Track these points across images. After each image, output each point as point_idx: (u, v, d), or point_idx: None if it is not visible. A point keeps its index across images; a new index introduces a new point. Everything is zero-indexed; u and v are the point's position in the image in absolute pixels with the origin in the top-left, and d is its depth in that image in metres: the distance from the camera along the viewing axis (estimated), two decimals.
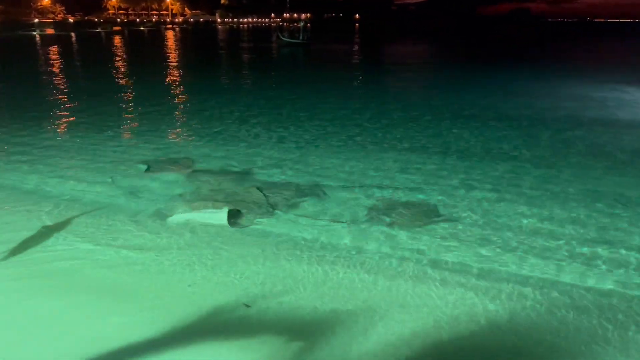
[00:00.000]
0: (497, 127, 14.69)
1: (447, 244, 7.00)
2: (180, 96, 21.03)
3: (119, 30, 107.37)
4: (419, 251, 6.77)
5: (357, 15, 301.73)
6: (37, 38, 71.83)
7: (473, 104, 18.75)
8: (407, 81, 28.31)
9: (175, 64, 37.02)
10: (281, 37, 61.61)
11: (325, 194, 8.78)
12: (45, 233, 7.13)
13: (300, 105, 18.56)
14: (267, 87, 24.70)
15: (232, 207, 7.73)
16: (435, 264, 6.46)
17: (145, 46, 60.59)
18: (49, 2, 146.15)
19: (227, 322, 5.15)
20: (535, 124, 15.37)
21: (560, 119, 16.08)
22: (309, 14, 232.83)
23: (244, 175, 9.85)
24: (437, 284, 5.96)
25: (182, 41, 71.93)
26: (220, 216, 7.45)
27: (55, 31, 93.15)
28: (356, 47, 63.68)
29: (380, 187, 9.19)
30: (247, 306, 5.37)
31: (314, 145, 12.39)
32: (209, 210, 7.67)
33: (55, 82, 25.00)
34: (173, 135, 13.53)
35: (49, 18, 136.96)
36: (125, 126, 14.87)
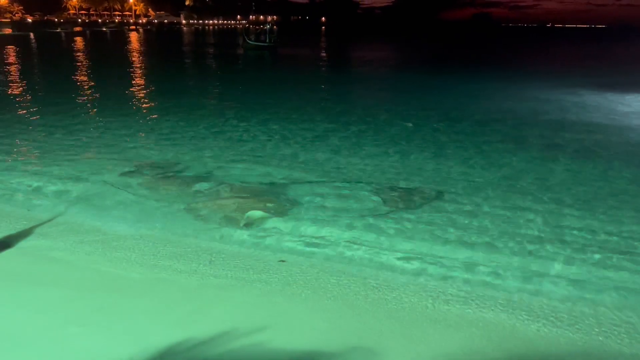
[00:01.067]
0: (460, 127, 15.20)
1: None
2: (141, 101, 20.78)
3: (80, 30, 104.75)
4: None
5: (323, 18, 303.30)
6: None
7: (436, 107, 19.30)
8: (371, 86, 28.78)
9: (138, 66, 36.46)
10: (247, 40, 60.97)
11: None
12: None
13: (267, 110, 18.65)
14: (231, 95, 24.70)
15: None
16: None
17: (106, 48, 59.36)
18: (6, 1, 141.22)
19: None
20: (491, 123, 16.10)
21: (520, 119, 16.84)
22: (275, 17, 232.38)
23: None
24: None
25: (146, 43, 70.72)
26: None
27: (12, 31, 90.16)
28: (323, 51, 64.05)
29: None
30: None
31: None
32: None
33: (15, 83, 24.27)
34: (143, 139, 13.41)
35: (6, 18, 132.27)
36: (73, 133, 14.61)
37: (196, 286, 5.98)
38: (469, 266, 6.76)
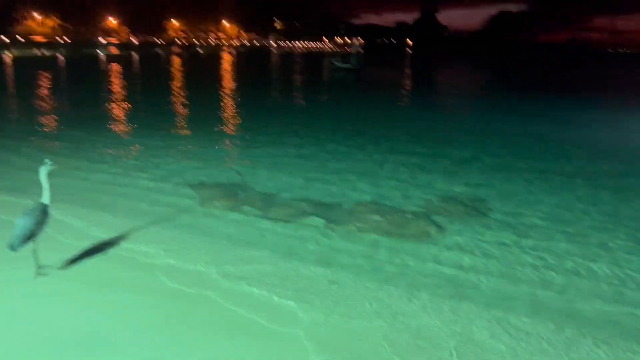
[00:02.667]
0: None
1: None
2: (233, 119, 21.24)
3: (178, 52, 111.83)
4: None
5: (409, 40, 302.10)
6: (101, 57, 75.63)
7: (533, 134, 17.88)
8: (458, 111, 27.55)
9: (231, 86, 37.80)
10: (334, 62, 62.28)
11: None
12: None
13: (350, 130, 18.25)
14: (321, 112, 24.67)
15: None
16: None
17: (202, 67, 62.53)
18: (115, 24, 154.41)
19: None
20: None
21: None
22: (361, 39, 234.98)
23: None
24: None
25: (237, 64, 73.86)
26: None
27: (119, 51, 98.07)
28: (408, 74, 63.24)
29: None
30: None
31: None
32: None
33: (116, 98, 25.92)
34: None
35: (114, 38, 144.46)
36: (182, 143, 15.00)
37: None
38: None
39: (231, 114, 23.22)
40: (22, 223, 5.89)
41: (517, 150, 15.64)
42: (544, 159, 14.62)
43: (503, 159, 14.33)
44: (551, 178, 12.24)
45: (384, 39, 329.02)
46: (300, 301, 5.89)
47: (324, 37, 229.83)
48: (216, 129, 18.46)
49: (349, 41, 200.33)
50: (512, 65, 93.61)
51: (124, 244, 7.46)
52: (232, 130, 18.71)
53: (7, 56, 71.65)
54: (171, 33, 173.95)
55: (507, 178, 12.19)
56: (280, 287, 6.22)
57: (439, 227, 8.53)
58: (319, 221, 8.62)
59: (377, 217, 8.77)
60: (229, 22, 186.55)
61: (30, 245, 6.00)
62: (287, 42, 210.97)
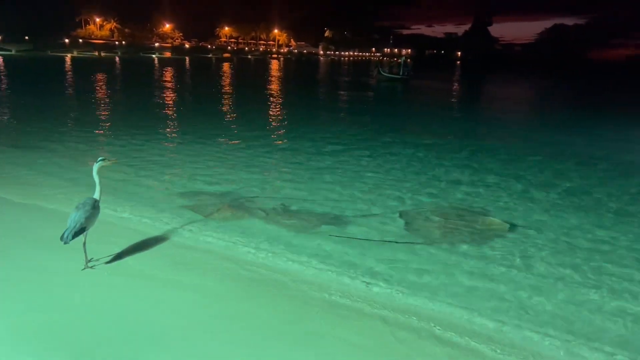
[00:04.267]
0: None
1: None
2: (278, 129, 21.35)
3: (228, 57, 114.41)
4: None
5: (458, 52, 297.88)
6: (156, 60, 78.17)
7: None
8: (504, 128, 26.69)
9: (275, 94, 38.19)
10: (382, 71, 61.64)
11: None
12: None
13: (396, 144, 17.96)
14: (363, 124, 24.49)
15: None
16: None
17: (250, 73, 63.60)
18: (170, 28, 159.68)
19: None
20: None
21: None
22: (409, 50, 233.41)
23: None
24: None
25: (285, 70, 74.68)
26: None
27: (172, 55, 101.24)
28: (456, 86, 62.21)
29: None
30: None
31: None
32: None
33: (168, 99, 26.64)
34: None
35: (168, 43, 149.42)
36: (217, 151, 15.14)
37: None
38: None
39: (277, 123, 23.35)
40: (73, 217, 6.02)
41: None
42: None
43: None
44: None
45: (434, 51, 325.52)
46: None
47: (373, 47, 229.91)
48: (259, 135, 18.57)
49: (397, 52, 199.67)
50: (561, 81, 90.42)
51: (171, 240, 7.51)
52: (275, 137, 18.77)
53: (68, 57, 75.16)
54: (223, 39, 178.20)
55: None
56: None
57: None
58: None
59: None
60: (280, 29, 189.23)
61: (81, 239, 6.11)
62: (336, 51, 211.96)
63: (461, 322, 5.67)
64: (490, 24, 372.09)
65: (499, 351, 5.10)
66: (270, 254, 7.24)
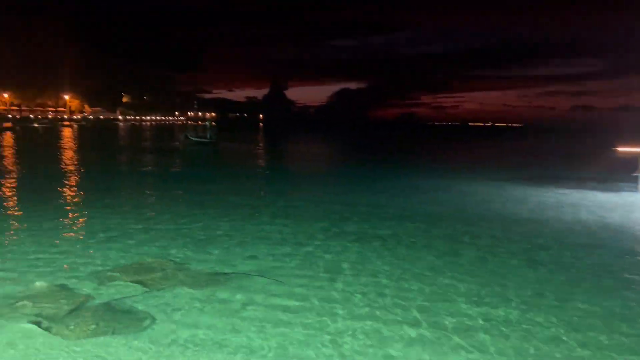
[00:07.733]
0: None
1: None
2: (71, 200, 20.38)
3: (9, 127, 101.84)
4: None
5: (260, 115, 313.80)
6: None
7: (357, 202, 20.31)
8: (311, 181, 29.83)
9: (70, 164, 35.83)
10: (189, 136, 62.61)
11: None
12: None
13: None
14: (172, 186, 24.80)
15: None
16: None
17: (37, 144, 58.03)
18: None
19: None
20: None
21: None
22: (213, 113, 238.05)
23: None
24: None
25: (79, 139, 69.72)
26: None
27: None
28: (261, 147, 66.12)
29: None
30: None
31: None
32: None
33: None
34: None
35: None
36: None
37: None
38: None
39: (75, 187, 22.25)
40: None
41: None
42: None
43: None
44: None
45: (237, 114, 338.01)
46: None
47: (176, 111, 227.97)
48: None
49: (202, 115, 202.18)
50: (350, 137, 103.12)
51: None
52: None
53: None
54: (2, 107, 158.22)
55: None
56: None
57: None
58: None
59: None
60: (71, 96, 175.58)
61: None
62: (137, 115, 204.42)
63: None
64: (287, 89, 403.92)
65: None
66: None
